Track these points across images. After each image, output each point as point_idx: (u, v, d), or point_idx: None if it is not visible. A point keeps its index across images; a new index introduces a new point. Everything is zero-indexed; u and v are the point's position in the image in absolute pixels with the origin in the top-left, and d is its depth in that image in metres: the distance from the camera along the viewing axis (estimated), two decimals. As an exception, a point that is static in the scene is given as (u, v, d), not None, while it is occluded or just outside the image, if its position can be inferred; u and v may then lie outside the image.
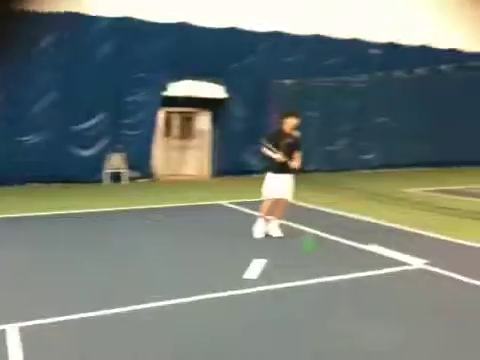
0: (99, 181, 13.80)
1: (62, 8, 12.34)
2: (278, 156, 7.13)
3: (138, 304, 4.64)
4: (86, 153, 13.77)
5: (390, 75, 13.53)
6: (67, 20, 12.42)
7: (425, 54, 16.39)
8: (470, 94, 18.60)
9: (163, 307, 4.62)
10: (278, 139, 7.23)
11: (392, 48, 16.37)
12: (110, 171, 14.03)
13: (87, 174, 13.63)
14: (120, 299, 4.79)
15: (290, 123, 7.25)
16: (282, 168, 7.21)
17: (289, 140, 7.22)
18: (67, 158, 13.32)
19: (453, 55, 16.57)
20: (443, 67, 12.63)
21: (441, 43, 16.70)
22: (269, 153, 7.22)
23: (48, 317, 4.33)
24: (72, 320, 4.31)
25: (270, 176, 7.33)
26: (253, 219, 7.70)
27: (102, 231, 7.95)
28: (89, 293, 5.01)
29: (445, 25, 16.15)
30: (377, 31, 15.89)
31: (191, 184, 14.77)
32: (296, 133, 7.39)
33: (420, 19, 15.85)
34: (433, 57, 16.08)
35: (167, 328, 4.22)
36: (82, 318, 4.35)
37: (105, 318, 4.38)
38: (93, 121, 13.59)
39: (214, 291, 4.98)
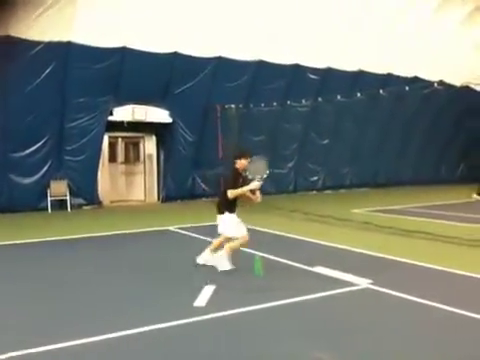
0: (44, 209, 13.51)
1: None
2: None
3: (83, 338, 4.50)
4: (27, 181, 13.42)
5: (329, 99, 14.00)
6: (2, 45, 12.10)
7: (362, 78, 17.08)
8: (408, 116, 19.56)
9: (110, 339, 4.51)
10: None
11: (329, 73, 16.88)
12: (53, 198, 13.68)
13: (30, 202, 13.29)
14: (62, 333, 4.62)
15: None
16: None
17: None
18: (7, 186, 12.96)
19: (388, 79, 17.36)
20: (381, 91, 13.22)
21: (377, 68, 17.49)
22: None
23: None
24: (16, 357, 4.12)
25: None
26: (201, 243, 7.66)
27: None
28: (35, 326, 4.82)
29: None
30: (316, 57, 16.39)
31: (139, 210, 14.57)
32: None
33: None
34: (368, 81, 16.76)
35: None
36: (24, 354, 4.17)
37: (48, 353, 4.22)
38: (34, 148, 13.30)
39: (163, 321, 4.89)
